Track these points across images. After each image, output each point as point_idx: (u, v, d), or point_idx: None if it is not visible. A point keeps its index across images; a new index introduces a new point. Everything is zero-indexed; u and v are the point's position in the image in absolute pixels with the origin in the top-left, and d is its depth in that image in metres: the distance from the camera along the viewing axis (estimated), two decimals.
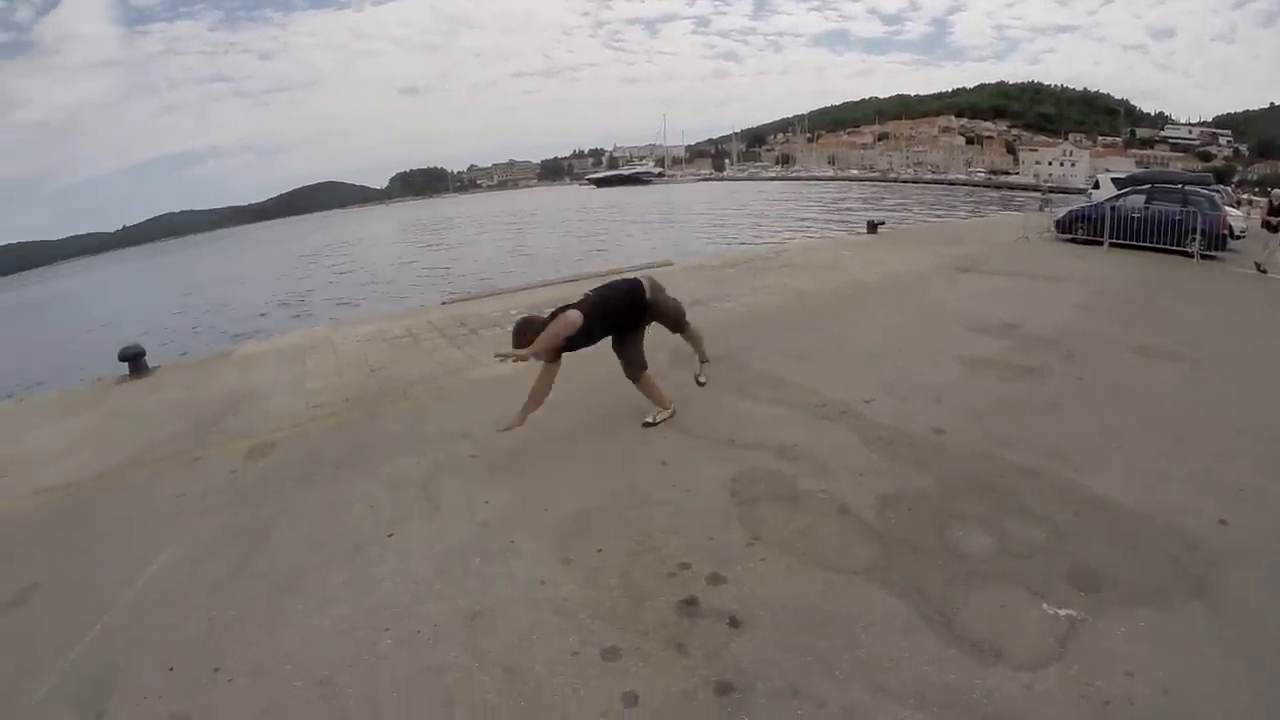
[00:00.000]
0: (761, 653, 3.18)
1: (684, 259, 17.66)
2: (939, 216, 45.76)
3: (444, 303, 13.07)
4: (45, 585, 5.01)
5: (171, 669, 3.75)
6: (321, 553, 4.57)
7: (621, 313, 5.56)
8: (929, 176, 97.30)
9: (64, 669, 4.00)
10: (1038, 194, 41.74)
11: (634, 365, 5.70)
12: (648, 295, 5.61)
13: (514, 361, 5.12)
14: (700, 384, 6.41)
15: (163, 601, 4.42)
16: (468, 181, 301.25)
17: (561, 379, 5.90)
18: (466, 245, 50.28)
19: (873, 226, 17.65)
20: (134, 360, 10.80)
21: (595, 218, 61.90)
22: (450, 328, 10.29)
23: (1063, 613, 3.31)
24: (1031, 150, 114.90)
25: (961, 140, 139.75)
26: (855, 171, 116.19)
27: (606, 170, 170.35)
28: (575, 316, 5.09)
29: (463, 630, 3.54)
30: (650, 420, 5.74)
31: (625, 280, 5.79)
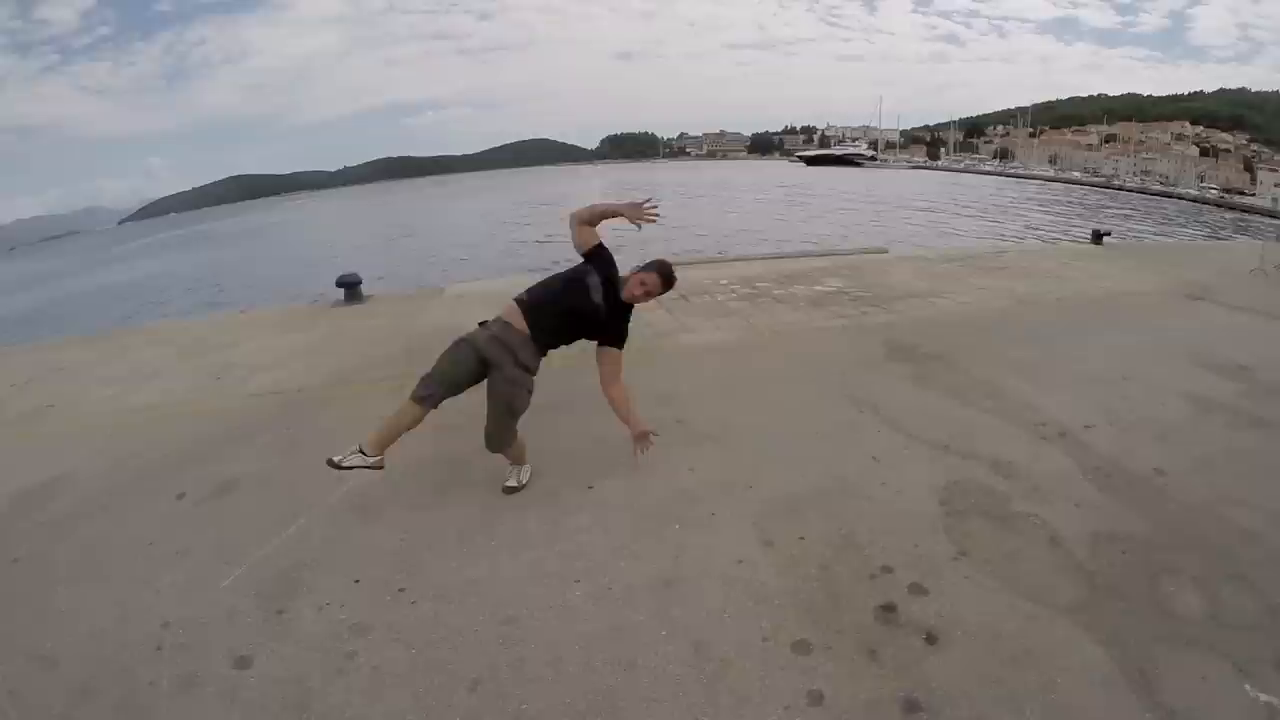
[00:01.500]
0: (954, 676, 2.94)
1: (898, 248, 16.90)
2: (1166, 233, 42.88)
3: None
4: (247, 481, 5.29)
5: (358, 581, 3.88)
6: (519, 493, 4.66)
7: None
8: (1156, 187, 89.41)
9: (253, 562, 4.21)
10: (1277, 220, 38.36)
11: None
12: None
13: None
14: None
15: (358, 515, 4.60)
16: (677, 149, 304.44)
17: (784, 355, 5.82)
18: (672, 211, 50.70)
19: (1098, 236, 16.39)
20: (350, 288, 11.48)
21: (806, 195, 60.90)
22: None
23: (1264, 698, 2.91)
24: (1272, 170, 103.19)
25: (1195, 150, 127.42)
26: (1078, 174, 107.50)
27: (817, 148, 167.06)
28: None
29: (654, 596, 3.48)
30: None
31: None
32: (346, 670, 3.27)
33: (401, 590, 3.75)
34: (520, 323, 4.40)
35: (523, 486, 4.71)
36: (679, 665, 3.02)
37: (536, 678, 3.04)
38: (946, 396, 5.86)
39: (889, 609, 3.32)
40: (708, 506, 4.25)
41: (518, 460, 4.78)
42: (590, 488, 4.61)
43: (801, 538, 3.88)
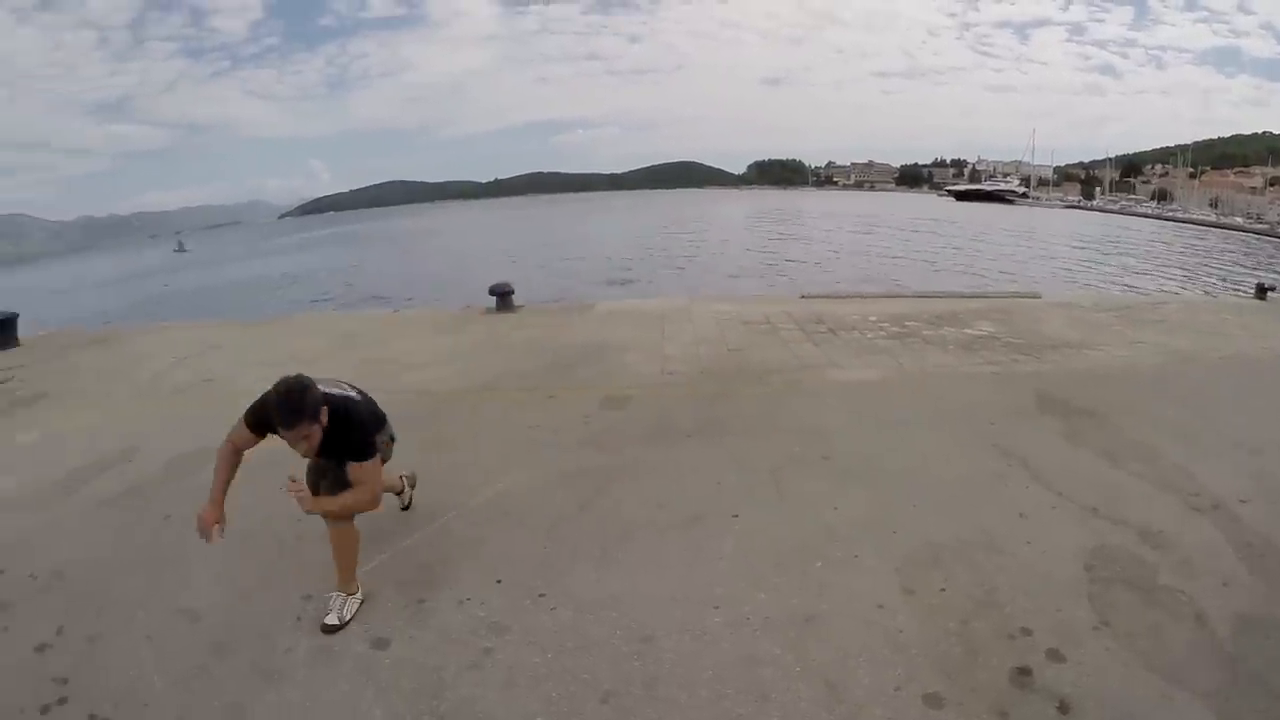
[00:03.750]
0: None
1: (1051, 293, 15.96)
2: None
3: (803, 296, 12.94)
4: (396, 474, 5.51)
5: (499, 581, 4.05)
6: (662, 514, 4.72)
7: None
8: None
9: (397, 550, 4.47)
10: None
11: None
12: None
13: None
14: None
15: (503, 518, 4.79)
16: (824, 178, 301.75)
17: (933, 399, 6.16)
18: (817, 242, 50.17)
19: (1262, 291, 15.19)
20: (503, 296, 12.03)
21: (956, 231, 58.58)
22: (808, 323, 10.12)
23: None
24: None
25: None
26: (1239, 220, 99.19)
27: (967, 183, 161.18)
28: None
29: (792, 631, 3.49)
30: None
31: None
32: (482, 665, 3.41)
33: (541, 595, 3.89)
34: None
35: (343, 625, 3.80)
36: (810, 704, 3.03)
37: (668, 698, 3.10)
38: (1098, 456, 5.62)
39: (1025, 672, 3.24)
40: (851, 547, 4.23)
41: (345, 583, 3.97)
42: (735, 516, 4.63)
43: (943, 589, 3.82)
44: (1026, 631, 3.50)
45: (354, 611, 3.88)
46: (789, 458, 5.53)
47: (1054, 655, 3.35)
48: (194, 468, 5.90)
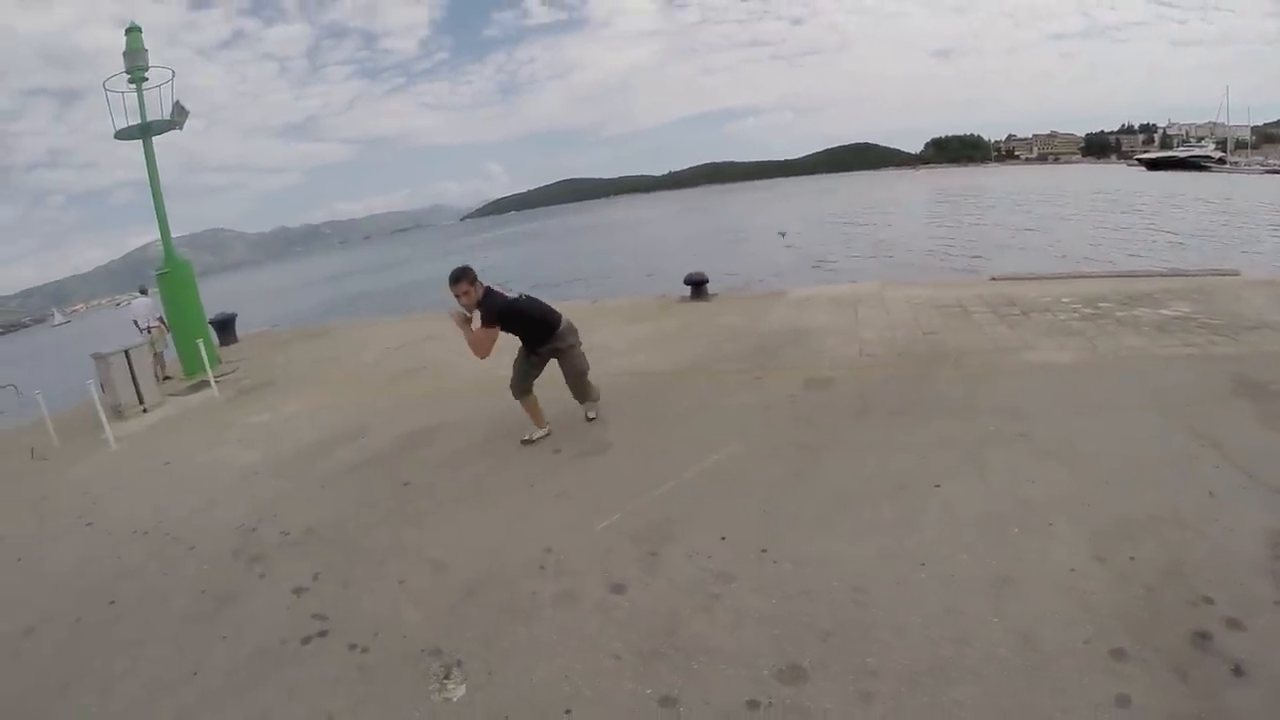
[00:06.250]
0: (1253, 710, 3.04)
1: (1251, 270, 13.88)
2: None
3: (992, 278, 12.78)
4: (618, 446, 6.26)
5: (723, 539, 4.62)
6: (870, 485, 5.12)
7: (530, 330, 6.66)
8: None
9: (626, 511, 5.10)
10: None
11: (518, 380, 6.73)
12: (558, 328, 6.76)
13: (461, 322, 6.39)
14: (589, 419, 7.16)
15: (723, 485, 5.35)
16: (1005, 152, 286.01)
17: (1127, 381, 6.42)
18: (1002, 219, 47.92)
19: None
20: (698, 285, 12.78)
21: (1148, 204, 53.39)
22: (1000, 305, 10.10)
23: None
24: None
25: None
26: None
27: (1159, 150, 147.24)
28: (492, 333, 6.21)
29: (990, 588, 3.81)
30: (527, 438, 6.69)
31: (552, 314, 6.83)
32: (711, 609, 3.98)
33: (764, 551, 4.43)
34: None
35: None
36: (1007, 650, 3.39)
37: (881, 640, 3.55)
38: None
39: (1204, 636, 3.44)
40: (1046, 517, 4.45)
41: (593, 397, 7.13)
42: (937, 486, 4.97)
43: (1132, 558, 4.01)
44: (1208, 600, 3.67)
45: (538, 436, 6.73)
46: (987, 435, 5.74)
47: (1233, 624, 3.50)
48: (424, 442, 6.76)
